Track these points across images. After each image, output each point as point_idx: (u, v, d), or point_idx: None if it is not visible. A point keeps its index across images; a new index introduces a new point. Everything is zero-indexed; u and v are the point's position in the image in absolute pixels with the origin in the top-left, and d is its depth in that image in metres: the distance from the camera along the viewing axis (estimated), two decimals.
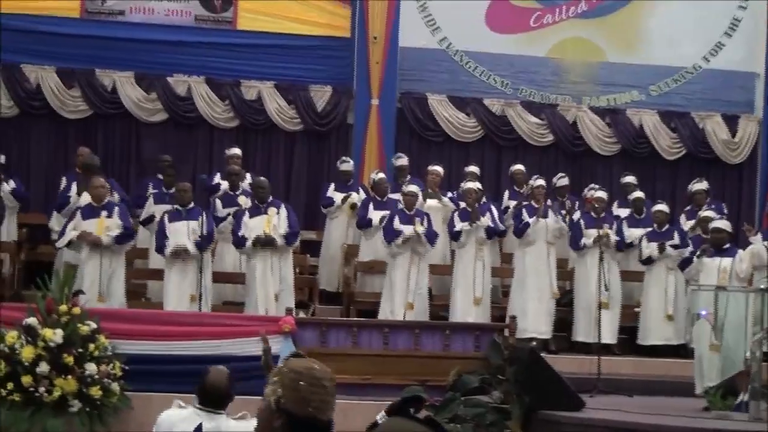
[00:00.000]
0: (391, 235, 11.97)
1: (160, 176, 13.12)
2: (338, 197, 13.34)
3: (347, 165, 13.72)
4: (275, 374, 3.10)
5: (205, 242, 11.27)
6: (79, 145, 13.48)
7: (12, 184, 12.81)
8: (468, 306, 12.04)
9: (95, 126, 14.73)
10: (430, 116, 15.33)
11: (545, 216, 12.33)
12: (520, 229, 12.40)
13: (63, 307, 9.21)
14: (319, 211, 13.80)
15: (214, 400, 5.48)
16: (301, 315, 11.09)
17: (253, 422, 5.42)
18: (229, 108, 14.93)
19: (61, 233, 11.30)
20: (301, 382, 3.04)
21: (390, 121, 14.98)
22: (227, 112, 14.95)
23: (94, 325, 9.27)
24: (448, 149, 15.34)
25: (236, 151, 13.57)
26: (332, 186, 13.56)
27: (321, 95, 15.09)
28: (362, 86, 14.92)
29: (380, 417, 2.92)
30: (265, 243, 11.43)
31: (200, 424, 5.43)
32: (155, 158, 13.69)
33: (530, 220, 12.31)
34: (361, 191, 13.51)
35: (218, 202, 12.74)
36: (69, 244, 11.16)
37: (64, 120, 14.61)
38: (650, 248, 12.30)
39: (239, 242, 11.61)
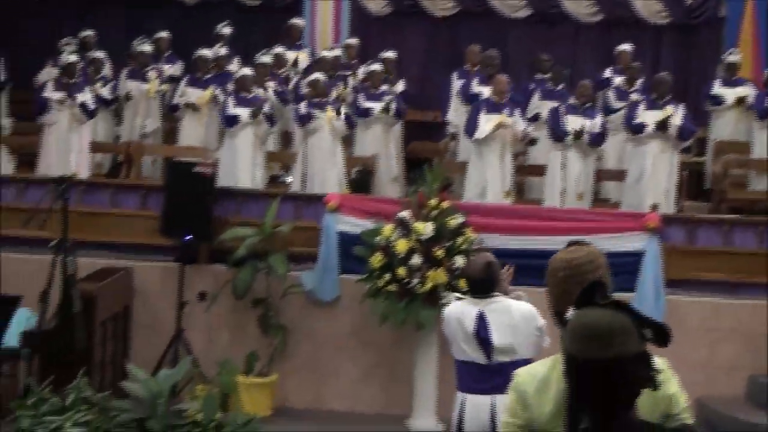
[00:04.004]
0: None
1: (539, 76, 13.22)
2: (728, 94, 12.80)
3: (734, 57, 13.04)
4: None
5: (597, 140, 11.47)
6: (447, 44, 13.75)
7: (401, 86, 13.22)
8: None
9: (460, 24, 14.95)
10: None
11: None
12: None
13: (432, 201, 9.54)
14: (697, 111, 13.29)
15: (477, 287, 5.84)
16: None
17: (527, 303, 5.79)
18: (593, 2, 14.65)
19: (473, 126, 11.55)
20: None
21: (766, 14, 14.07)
22: (591, 7, 14.68)
23: (461, 219, 9.53)
24: None
25: (626, 47, 13.39)
26: (718, 81, 13.03)
27: None
28: None
29: (569, 314, 2.83)
30: (661, 127, 11.28)
31: (481, 311, 5.76)
32: (534, 58, 13.73)
33: None
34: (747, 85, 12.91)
35: (611, 95, 12.78)
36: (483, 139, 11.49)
37: (434, 18, 14.93)
38: None
39: (637, 129, 11.49)
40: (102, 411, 6.80)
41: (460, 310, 5.85)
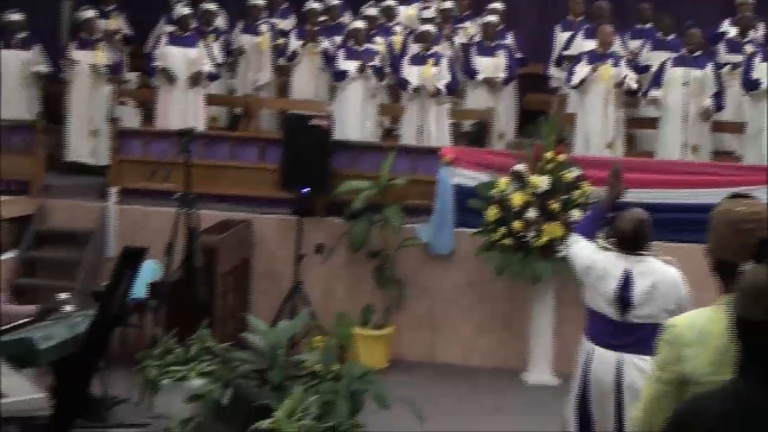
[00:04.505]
0: None
1: (639, 26, 12.99)
2: None
3: None
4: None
5: (718, 102, 11.26)
6: None
7: (510, 39, 12.98)
8: None
9: None
10: None
11: None
12: None
13: (549, 154, 9.45)
14: None
15: (625, 243, 5.63)
16: None
17: (675, 270, 5.55)
18: None
19: (571, 74, 11.52)
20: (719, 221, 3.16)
21: None
22: None
23: (577, 173, 9.42)
24: None
25: None
26: None
27: None
28: None
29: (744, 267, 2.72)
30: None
31: (627, 269, 5.57)
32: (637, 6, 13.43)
33: None
34: None
35: (722, 48, 12.46)
36: (581, 83, 11.40)
37: None
38: None
39: (752, 85, 11.30)
40: (224, 362, 6.96)
41: (606, 262, 5.66)
